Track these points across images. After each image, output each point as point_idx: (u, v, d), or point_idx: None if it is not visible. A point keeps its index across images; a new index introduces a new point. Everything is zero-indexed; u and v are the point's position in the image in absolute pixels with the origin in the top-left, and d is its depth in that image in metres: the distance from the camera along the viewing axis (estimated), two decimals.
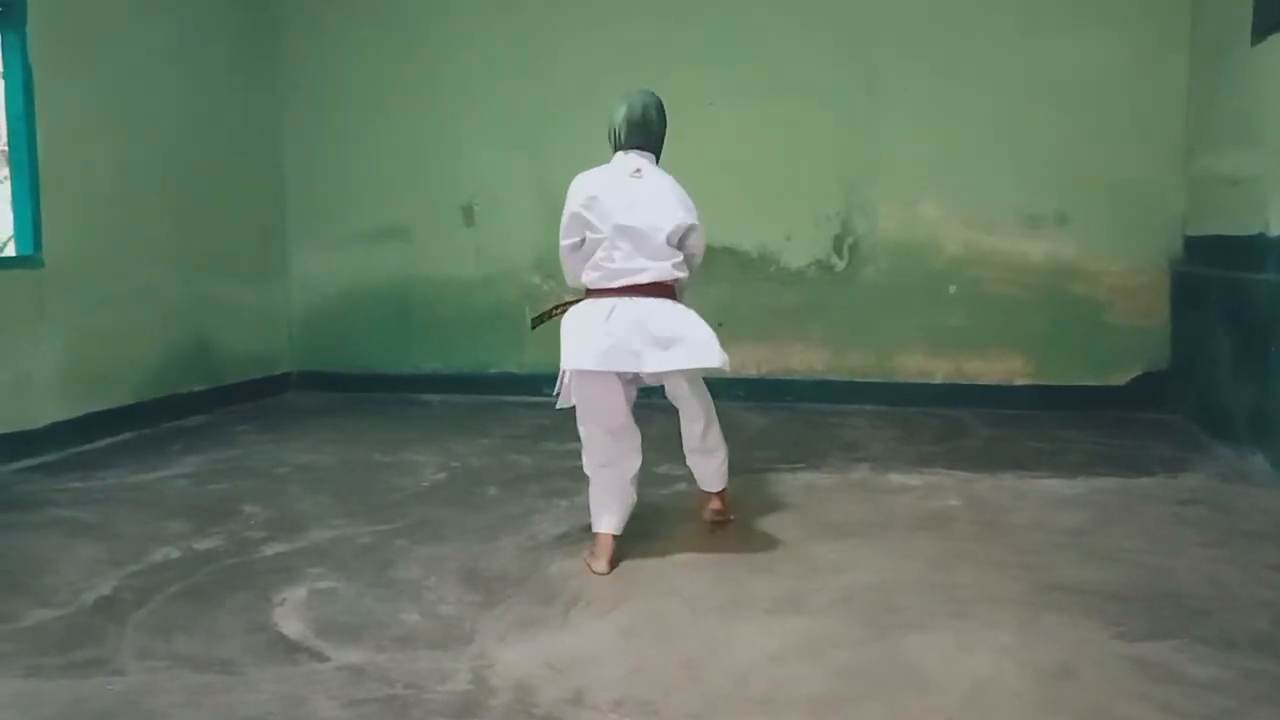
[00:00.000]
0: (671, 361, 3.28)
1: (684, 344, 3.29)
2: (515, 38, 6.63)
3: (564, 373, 3.41)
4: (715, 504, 3.77)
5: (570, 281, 3.62)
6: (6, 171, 5.19)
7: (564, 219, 3.48)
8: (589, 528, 3.46)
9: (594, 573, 3.29)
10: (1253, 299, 4.65)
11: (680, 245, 3.46)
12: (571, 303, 3.51)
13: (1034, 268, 6.09)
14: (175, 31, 6.01)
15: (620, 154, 3.51)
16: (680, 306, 3.42)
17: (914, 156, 6.17)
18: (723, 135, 6.28)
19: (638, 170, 3.45)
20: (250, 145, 6.75)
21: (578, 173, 3.54)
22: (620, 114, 3.51)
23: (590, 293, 3.45)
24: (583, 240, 3.46)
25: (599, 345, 3.25)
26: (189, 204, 6.10)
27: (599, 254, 3.39)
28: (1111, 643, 2.68)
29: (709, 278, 5.89)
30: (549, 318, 3.65)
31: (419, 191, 6.85)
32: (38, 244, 5.04)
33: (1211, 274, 5.27)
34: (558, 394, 3.47)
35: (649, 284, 3.36)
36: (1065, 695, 2.39)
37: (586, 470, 3.47)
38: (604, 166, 3.51)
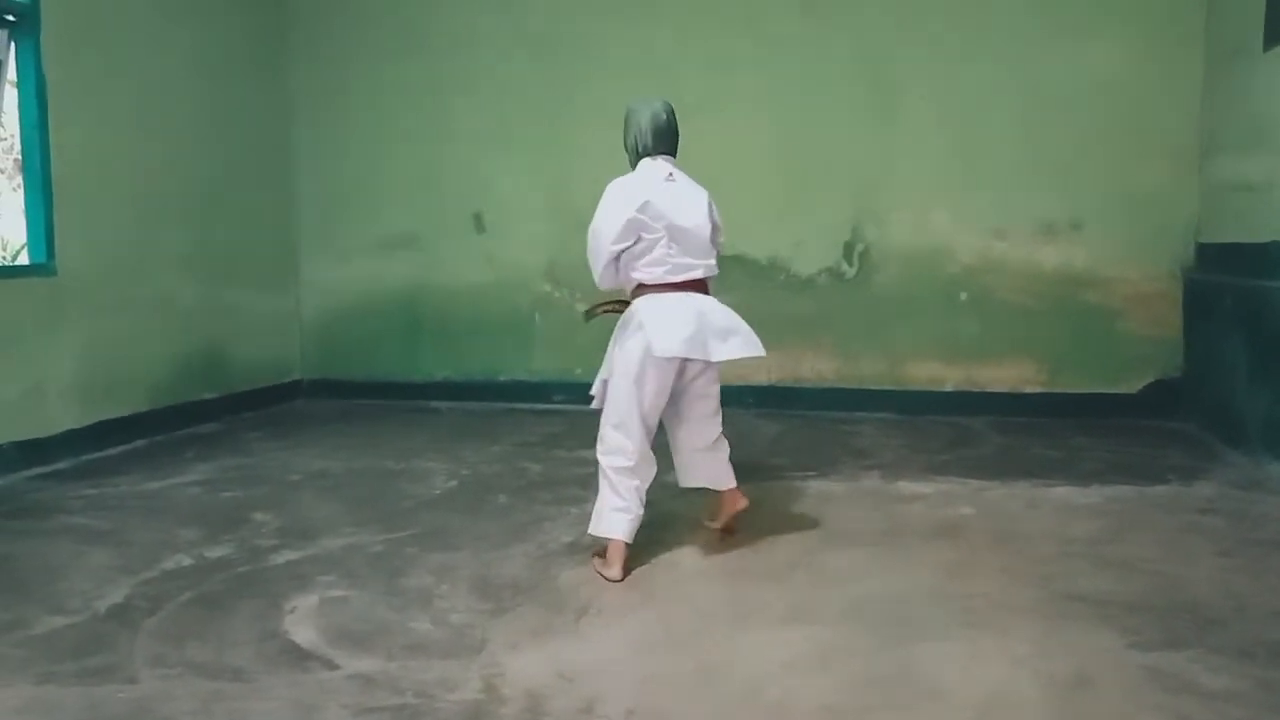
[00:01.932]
0: (730, 351, 3.43)
1: (738, 335, 3.47)
2: (526, 46, 6.64)
3: (609, 367, 3.44)
4: (742, 503, 3.74)
5: (607, 284, 3.57)
6: (20, 180, 5.21)
7: (613, 224, 3.41)
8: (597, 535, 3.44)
9: (607, 580, 3.28)
10: (1267, 306, 4.63)
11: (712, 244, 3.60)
12: (625, 301, 3.56)
13: (1046, 275, 6.07)
14: (188, 40, 6.04)
15: (649, 160, 3.53)
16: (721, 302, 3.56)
17: (925, 163, 6.16)
18: (733, 143, 6.27)
19: (670, 175, 3.51)
20: (262, 154, 6.78)
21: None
22: (645, 122, 3.53)
23: (649, 288, 3.47)
24: (634, 242, 3.46)
25: (683, 333, 3.35)
26: (201, 212, 6.13)
27: (658, 251, 3.44)
28: (1127, 653, 2.67)
29: (719, 285, 5.87)
30: (603, 312, 3.68)
31: (430, 199, 6.86)
32: (51, 252, 5.06)
33: (1225, 281, 5.25)
34: (593, 394, 3.51)
35: (700, 280, 3.52)
36: (1080, 706, 2.38)
37: (609, 473, 3.41)
38: (640, 173, 3.51)
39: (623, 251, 3.44)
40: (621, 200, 3.43)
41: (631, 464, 3.40)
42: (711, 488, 3.76)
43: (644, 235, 3.42)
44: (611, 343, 3.54)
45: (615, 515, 3.38)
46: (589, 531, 3.46)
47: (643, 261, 3.45)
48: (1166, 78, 5.84)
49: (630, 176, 3.51)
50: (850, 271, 6.33)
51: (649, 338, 3.34)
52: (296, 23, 6.97)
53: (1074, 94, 5.93)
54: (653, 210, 3.40)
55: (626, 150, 3.59)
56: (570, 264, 6.60)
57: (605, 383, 3.50)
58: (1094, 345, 6.04)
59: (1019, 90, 6.01)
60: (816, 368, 6.40)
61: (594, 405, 3.55)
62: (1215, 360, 5.31)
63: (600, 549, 3.44)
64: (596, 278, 3.54)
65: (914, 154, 6.17)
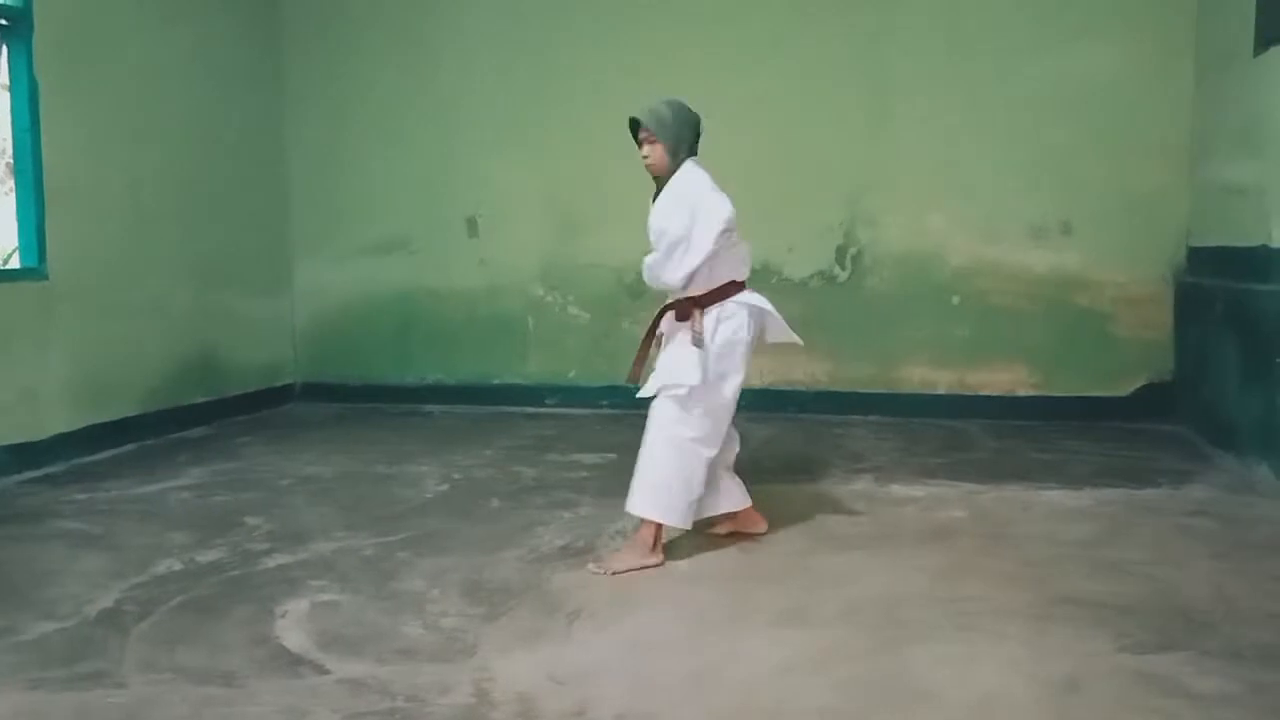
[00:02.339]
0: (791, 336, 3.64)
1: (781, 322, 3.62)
2: (520, 49, 6.63)
3: (702, 359, 3.38)
4: (761, 525, 3.77)
5: (684, 284, 3.45)
6: (11, 184, 5.19)
7: (717, 223, 3.37)
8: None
9: (651, 569, 3.36)
10: (1258, 310, 4.64)
11: None
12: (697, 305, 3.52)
13: (1038, 278, 6.08)
14: (181, 44, 6.02)
15: (695, 161, 3.54)
16: None
17: (918, 167, 6.17)
18: (726, 146, 6.23)
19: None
20: (256, 158, 6.76)
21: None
22: (694, 125, 3.54)
23: (739, 285, 3.52)
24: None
25: (782, 321, 3.58)
26: (194, 216, 6.11)
27: (742, 248, 3.55)
28: (1119, 655, 2.67)
29: None
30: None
31: (423, 203, 6.85)
32: (42, 256, 5.04)
33: (1216, 285, 5.26)
34: (694, 384, 3.38)
35: None
36: (1072, 709, 2.38)
37: (696, 462, 3.40)
38: (704, 173, 3.50)
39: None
40: (721, 199, 3.42)
41: (716, 454, 3.48)
42: (734, 510, 3.73)
43: (734, 233, 3.48)
44: (706, 340, 3.41)
45: (690, 508, 3.44)
46: (648, 516, 3.42)
47: (734, 259, 3.51)
48: (1158, 82, 5.86)
49: (703, 176, 3.48)
50: (843, 275, 6.34)
51: (784, 327, 3.56)
52: (291, 26, 6.96)
53: (1066, 98, 5.94)
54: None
55: (675, 139, 3.47)
56: (563, 268, 6.61)
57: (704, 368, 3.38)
58: (1086, 348, 6.05)
59: (1011, 94, 6.02)
60: (809, 371, 6.40)
61: (687, 392, 3.37)
62: (1206, 363, 5.32)
63: (632, 550, 3.43)
64: (678, 277, 3.42)
65: (907, 157, 6.18)
